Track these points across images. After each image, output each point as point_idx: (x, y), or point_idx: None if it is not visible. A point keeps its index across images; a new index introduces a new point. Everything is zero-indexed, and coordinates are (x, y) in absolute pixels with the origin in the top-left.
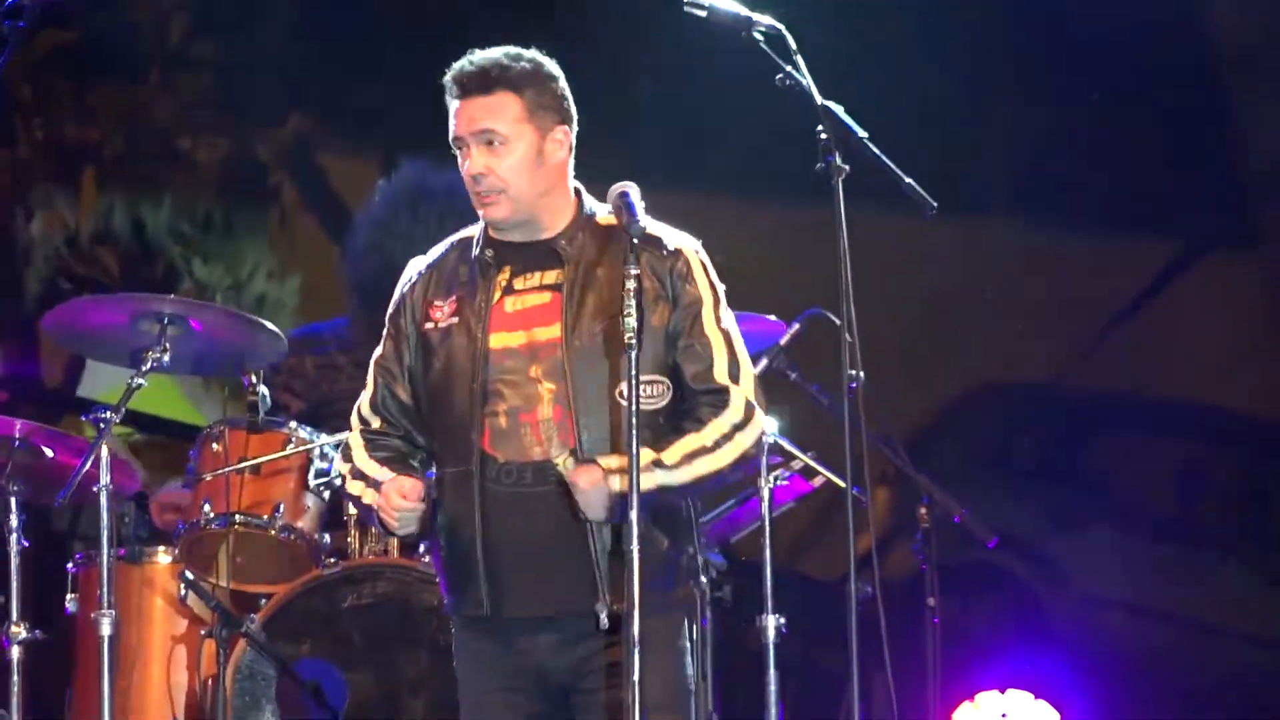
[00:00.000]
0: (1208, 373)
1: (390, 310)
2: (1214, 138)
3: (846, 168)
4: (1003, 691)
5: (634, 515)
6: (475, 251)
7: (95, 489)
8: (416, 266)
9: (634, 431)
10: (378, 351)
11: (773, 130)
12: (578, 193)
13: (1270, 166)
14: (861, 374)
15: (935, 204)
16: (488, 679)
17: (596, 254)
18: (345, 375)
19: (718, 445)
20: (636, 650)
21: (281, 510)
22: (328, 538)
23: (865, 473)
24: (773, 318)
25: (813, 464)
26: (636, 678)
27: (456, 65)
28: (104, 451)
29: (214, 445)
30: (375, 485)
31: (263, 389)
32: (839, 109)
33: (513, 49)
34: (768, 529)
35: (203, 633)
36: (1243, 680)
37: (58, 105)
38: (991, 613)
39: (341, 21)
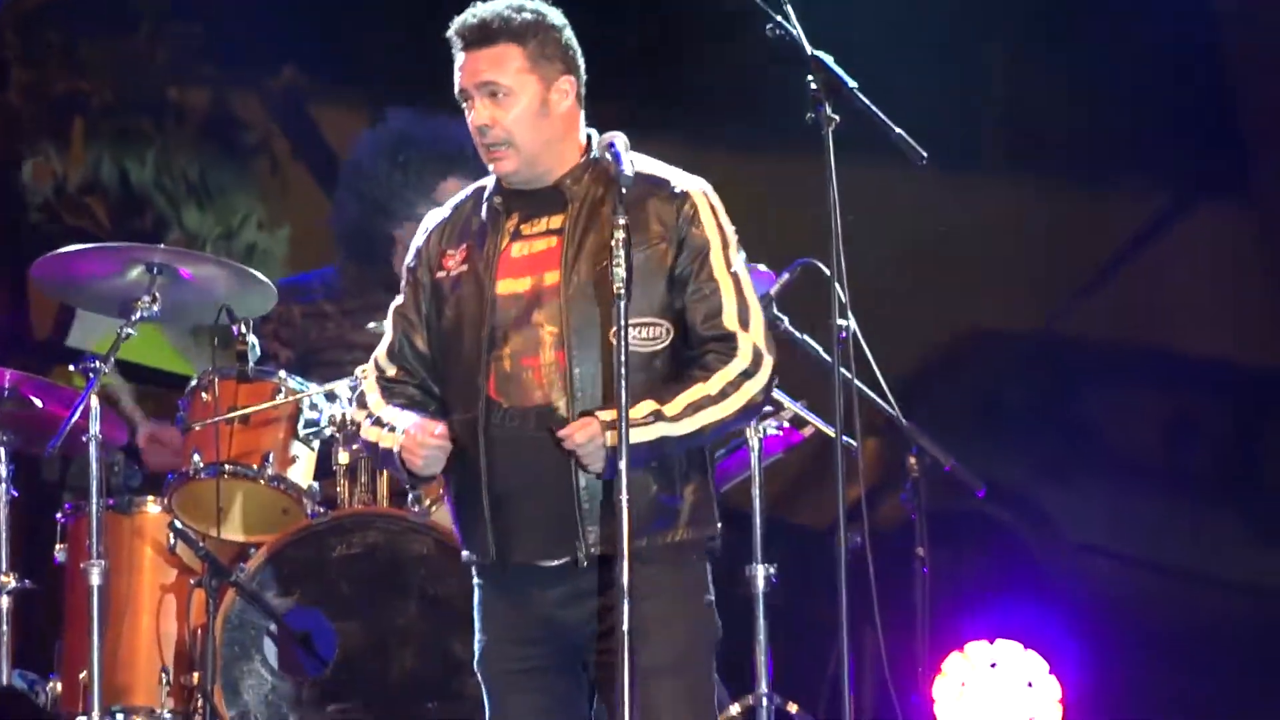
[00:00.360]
0: (1199, 322)
1: (408, 260)
2: (1206, 86)
3: (836, 117)
4: (992, 641)
5: (623, 465)
6: (488, 198)
7: (84, 439)
8: (435, 218)
9: (623, 381)
10: (397, 300)
11: (762, 79)
12: (588, 139)
13: (1262, 115)
14: (852, 323)
15: (925, 154)
16: (499, 627)
17: (601, 195)
18: (333, 324)
19: (724, 394)
20: (626, 601)
21: (271, 460)
22: (317, 487)
23: (855, 422)
24: (763, 267)
25: (803, 413)
26: (626, 626)
27: (459, 18)
28: (93, 401)
29: (203, 395)
30: (394, 430)
31: (252, 338)
32: (829, 59)
33: (515, 0)
34: (758, 479)
35: (192, 582)
36: (1233, 629)
37: (47, 56)
38: (981, 562)
39: None
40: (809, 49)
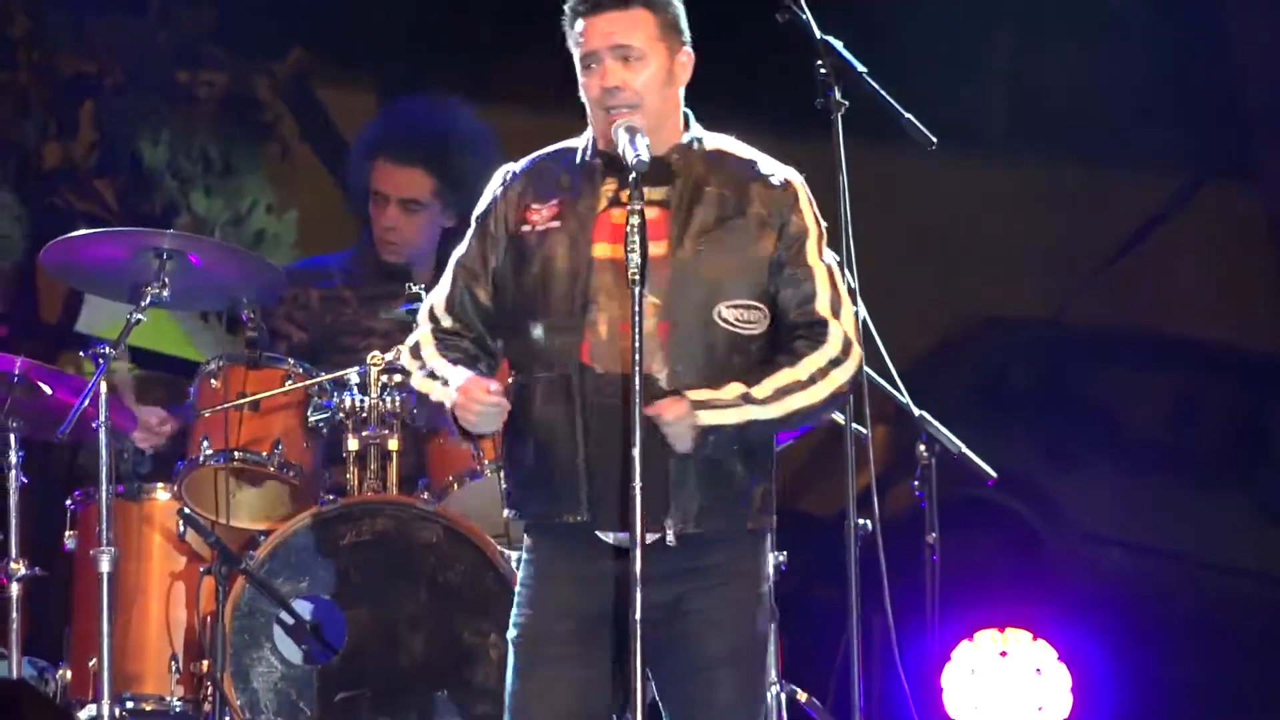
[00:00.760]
0: (1207, 308)
1: (479, 211)
2: (1213, 70)
3: (845, 103)
4: (1002, 629)
5: (636, 453)
6: (581, 159)
7: (94, 425)
8: (510, 169)
9: (637, 366)
10: (460, 250)
11: (770, 64)
12: (686, 117)
13: (1268, 103)
14: (862, 310)
15: (934, 139)
16: (553, 599)
17: (705, 172)
18: (350, 308)
19: (813, 380)
20: (639, 589)
21: (280, 446)
22: (327, 474)
23: (865, 409)
24: None
25: None
26: (638, 615)
27: None
28: (103, 388)
29: (213, 381)
30: (447, 384)
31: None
32: (838, 44)
33: None
34: None
35: (202, 570)
36: (1242, 613)
37: (56, 38)
38: (991, 550)
39: None
40: (818, 34)
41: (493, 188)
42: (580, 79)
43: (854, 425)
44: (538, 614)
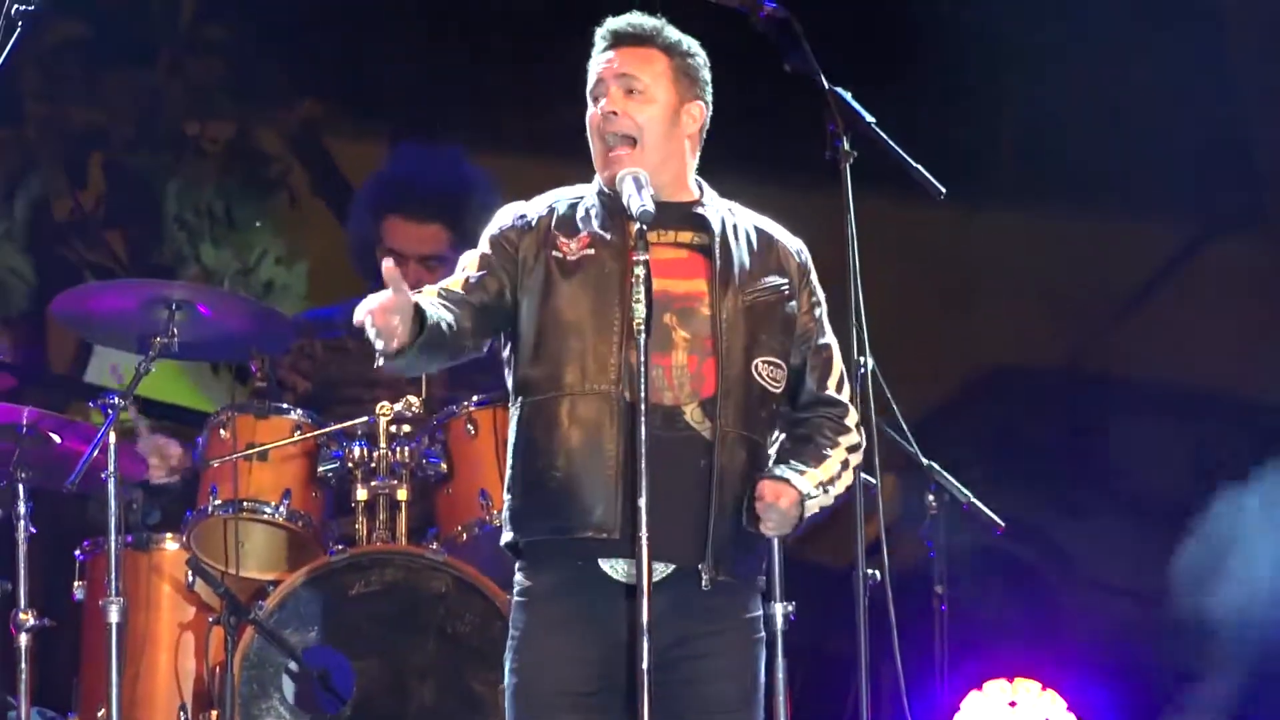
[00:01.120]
0: (1220, 358)
1: (504, 225)
2: (1223, 119)
3: (854, 153)
4: (1011, 680)
5: (642, 502)
6: (596, 202)
7: (103, 476)
8: (524, 205)
9: (643, 417)
10: (469, 259)
11: (779, 113)
12: (699, 186)
13: (1278, 151)
14: (870, 360)
15: (943, 189)
16: (562, 641)
17: (731, 226)
18: (353, 360)
19: (844, 467)
20: (646, 638)
21: (289, 497)
22: (335, 524)
23: (874, 459)
24: None
25: None
26: (646, 665)
27: (612, 20)
28: (111, 438)
29: (221, 431)
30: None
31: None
32: (847, 94)
33: None
34: None
35: (211, 620)
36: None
37: (66, 91)
38: (1000, 600)
39: (351, 4)
40: (827, 84)
41: (516, 213)
42: (587, 115)
43: (863, 475)
44: (539, 661)
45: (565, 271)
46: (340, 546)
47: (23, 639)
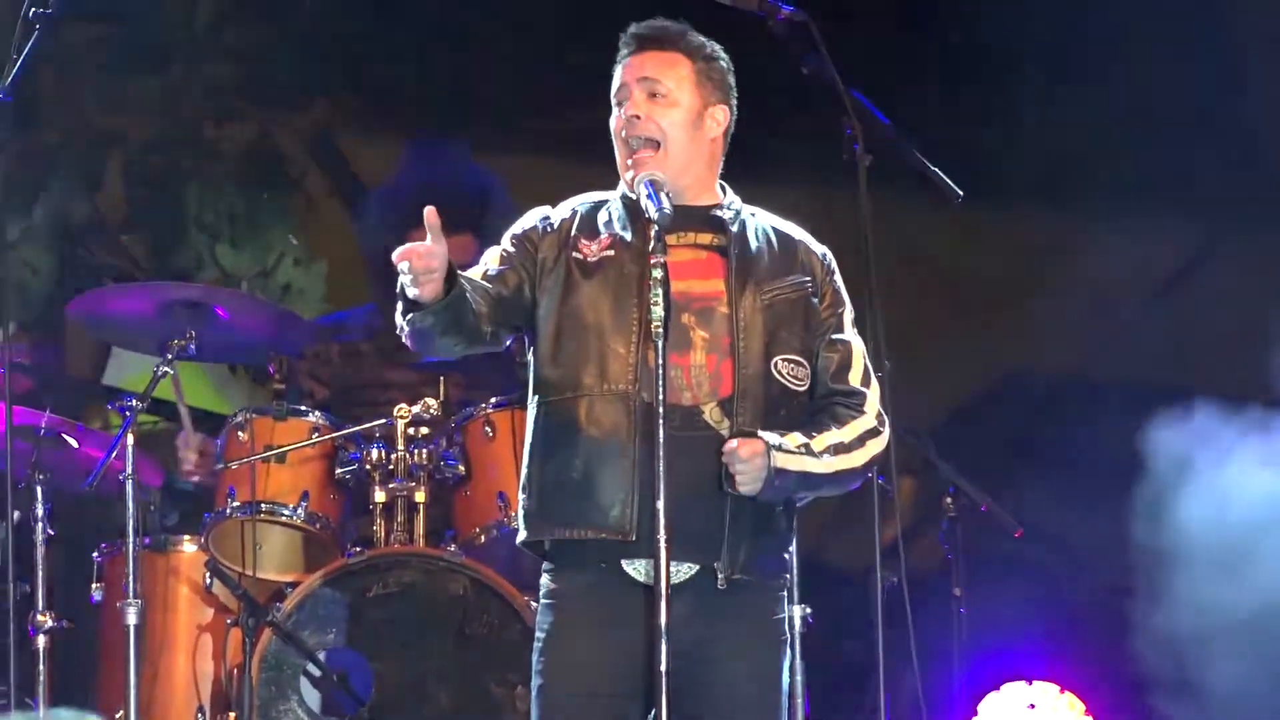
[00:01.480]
0: (1232, 362)
1: (527, 225)
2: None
3: (870, 156)
4: (1029, 682)
5: (660, 505)
6: (619, 206)
7: (121, 477)
8: (554, 208)
9: (661, 420)
10: (490, 255)
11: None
12: (723, 189)
13: None
14: (887, 363)
15: (960, 192)
16: (587, 645)
17: (752, 228)
18: (369, 363)
19: (854, 445)
20: (664, 642)
21: (307, 499)
22: (353, 526)
23: (891, 462)
24: None
25: None
26: (664, 667)
27: (636, 24)
28: (129, 440)
29: (239, 434)
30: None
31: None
32: (864, 98)
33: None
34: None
35: (228, 622)
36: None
37: (84, 93)
38: (1018, 603)
39: (366, 7)
40: (844, 87)
41: (539, 215)
42: (611, 118)
43: (880, 478)
44: (563, 662)
45: (585, 272)
46: (358, 548)
47: (41, 640)
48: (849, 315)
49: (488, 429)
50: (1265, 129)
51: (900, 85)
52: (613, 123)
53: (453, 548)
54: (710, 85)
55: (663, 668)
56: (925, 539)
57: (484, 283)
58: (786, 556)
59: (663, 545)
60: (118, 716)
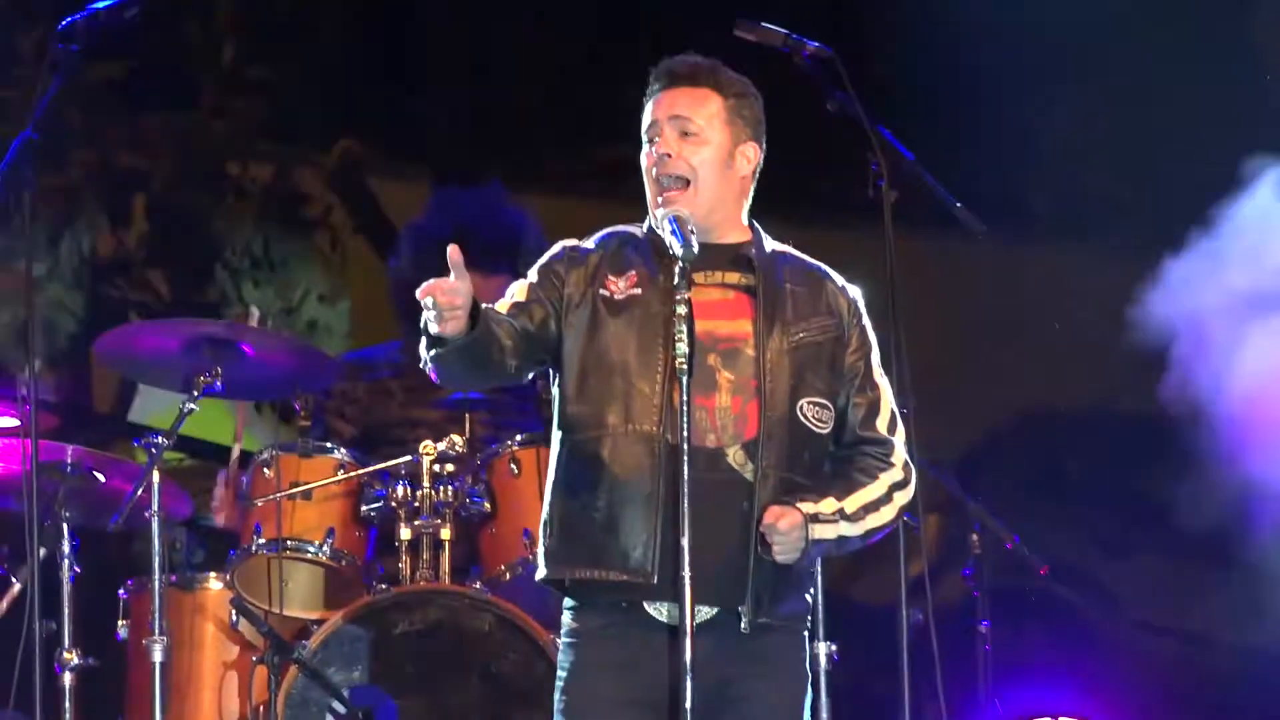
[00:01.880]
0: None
1: (555, 256)
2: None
3: (896, 192)
4: (1055, 719)
5: (685, 542)
6: (646, 241)
7: (147, 514)
8: (579, 242)
9: (685, 457)
10: (518, 287)
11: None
12: (753, 225)
13: None
14: (912, 400)
15: (985, 226)
16: (610, 686)
17: (781, 267)
18: (396, 401)
19: (883, 501)
20: (689, 679)
21: (333, 536)
22: (379, 564)
23: (917, 499)
24: None
25: None
26: (689, 704)
27: (667, 60)
28: (155, 476)
29: (265, 471)
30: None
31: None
32: (889, 134)
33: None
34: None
35: (254, 659)
36: None
37: (109, 130)
38: (1043, 639)
39: (391, 45)
40: (869, 123)
41: (562, 249)
42: (642, 155)
43: (906, 514)
44: (585, 701)
45: (612, 311)
46: (384, 585)
47: (67, 678)
48: (876, 357)
49: (513, 466)
50: None
51: (920, 119)
52: (643, 159)
53: (478, 585)
54: (741, 122)
55: (688, 704)
56: (951, 576)
57: (509, 317)
58: (809, 598)
59: (687, 583)
60: None
